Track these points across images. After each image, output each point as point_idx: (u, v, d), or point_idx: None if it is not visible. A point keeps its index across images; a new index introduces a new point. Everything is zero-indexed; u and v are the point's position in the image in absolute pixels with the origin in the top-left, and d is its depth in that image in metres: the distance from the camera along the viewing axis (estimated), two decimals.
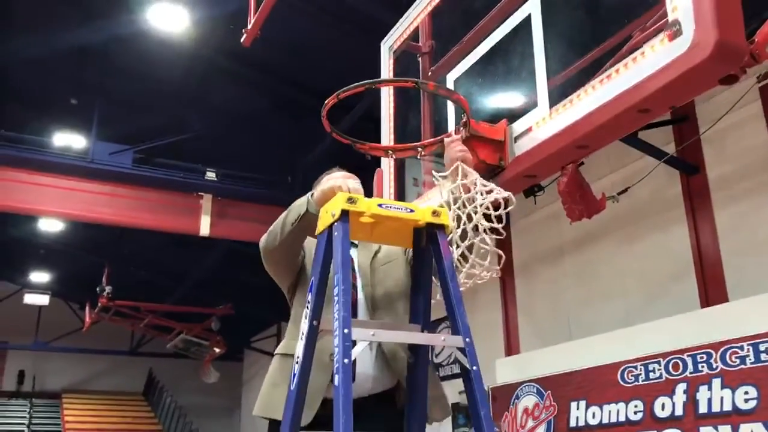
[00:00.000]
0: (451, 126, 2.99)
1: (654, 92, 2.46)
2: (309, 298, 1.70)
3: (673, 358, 5.62)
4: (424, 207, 1.75)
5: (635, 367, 5.96)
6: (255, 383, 19.68)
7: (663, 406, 5.66)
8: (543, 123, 2.90)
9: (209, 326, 15.30)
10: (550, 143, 2.82)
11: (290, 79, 8.97)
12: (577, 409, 6.52)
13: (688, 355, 5.51)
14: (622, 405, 6.02)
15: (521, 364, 7.39)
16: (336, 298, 1.55)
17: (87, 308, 15.92)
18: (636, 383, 5.93)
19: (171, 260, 14.36)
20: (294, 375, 1.64)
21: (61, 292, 18.96)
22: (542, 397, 6.97)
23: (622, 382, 6.06)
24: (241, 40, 5.88)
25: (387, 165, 3.66)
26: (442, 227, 1.76)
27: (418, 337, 1.73)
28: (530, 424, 7.01)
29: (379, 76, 4.18)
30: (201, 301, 15.16)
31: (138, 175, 8.82)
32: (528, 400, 7.10)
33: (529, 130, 2.93)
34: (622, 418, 5.99)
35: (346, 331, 1.49)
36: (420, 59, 3.88)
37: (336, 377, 1.43)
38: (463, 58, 3.35)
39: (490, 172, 2.79)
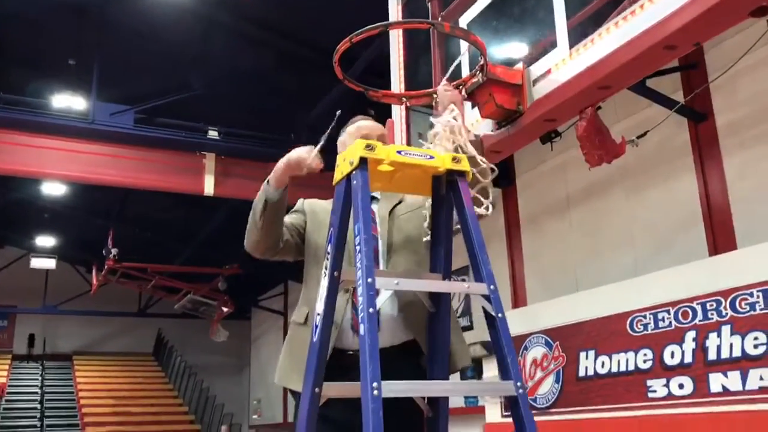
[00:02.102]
0: (465, 71, 2.92)
1: (681, 27, 2.37)
2: (328, 249, 1.67)
3: (682, 306, 5.63)
4: (443, 154, 1.72)
5: (644, 316, 5.98)
6: (263, 341, 19.90)
7: (672, 354, 5.69)
8: (563, 64, 2.81)
9: (216, 286, 15.38)
10: (570, 85, 2.74)
11: (292, 35, 8.82)
12: (586, 358, 6.56)
13: (697, 303, 5.51)
14: (631, 354, 6.05)
15: (529, 315, 7.41)
16: (357, 248, 1.52)
17: (94, 271, 16.00)
18: (645, 332, 5.95)
19: (177, 221, 14.36)
20: (315, 326, 1.62)
21: (68, 255, 19.04)
22: (551, 348, 7.01)
23: (631, 332, 6.08)
24: None
25: (398, 115, 3.59)
26: (462, 174, 1.72)
27: (442, 285, 1.70)
28: (539, 374, 7.07)
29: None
30: (208, 261, 15.21)
31: (140, 136, 8.74)
32: (536, 351, 7.15)
33: (548, 72, 2.85)
34: (631, 367, 6.03)
35: (369, 280, 1.46)
36: (429, 4, 3.76)
37: (361, 326, 1.41)
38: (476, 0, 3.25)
39: (508, 117, 2.72)
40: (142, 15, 8.90)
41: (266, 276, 17.68)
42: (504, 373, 1.51)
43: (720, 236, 6.40)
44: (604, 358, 6.34)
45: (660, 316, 5.84)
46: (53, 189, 13.13)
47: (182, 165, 8.89)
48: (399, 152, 1.64)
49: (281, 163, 2.30)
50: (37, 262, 18.43)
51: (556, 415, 6.67)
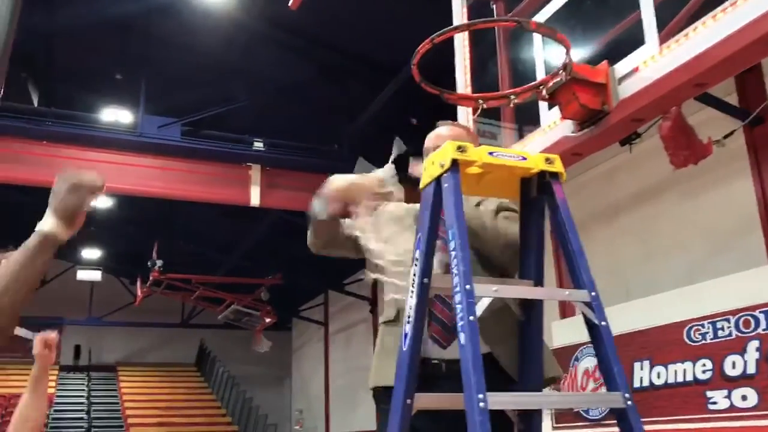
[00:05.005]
0: (541, 73, 2.86)
1: None
2: (416, 255, 1.62)
3: (743, 315, 5.46)
4: (535, 155, 1.66)
5: (702, 326, 5.82)
6: (304, 352, 19.93)
7: (734, 365, 5.52)
8: (652, 61, 2.73)
9: (259, 296, 15.47)
10: (662, 83, 2.65)
11: (335, 46, 8.84)
12: (641, 369, 6.41)
13: (760, 312, 5.34)
14: (689, 364, 5.89)
15: (579, 325, 7.25)
16: (453, 253, 1.47)
17: (138, 282, 16.20)
18: (703, 342, 5.79)
19: (220, 232, 14.48)
20: (405, 335, 1.57)
21: (112, 267, 19.33)
22: None
23: (688, 341, 5.92)
24: (289, 3, 5.78)
25: (464, 120, 3.54)
26: (556, 175, 1.66)
27: (541, 292, 1.65)
28: (591, 385, 6.93)
29: (428, 35, 4.01)
30: (250, 271, 15.30)
31: (187, 148, 8.82)
32: (588, 362, 7.01)
33: (635, 70, 2.77)
34: (689, 378, 5.87)
35: (468, 287, 1.41)
36: (494, 6, 3.71)
37: (462, 335, 1.35)
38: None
39: (592, 118, 2.64)
40: (186, 28, 9.01)
41: (307, 287, 17.73)
42: (610, 383, 1.44)
43: None
44: (660, 368, 6.18)
45: (719, 325, 5.67)
46: (100, 202, 13.34)
47: (229, 176, 8.95)
48: (490, 153, 1.59)
49: (336, 183, 2.16)
50: (83, 275, 18.72)
51: (610, 428, 6.51)
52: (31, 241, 1.55)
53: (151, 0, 8.49)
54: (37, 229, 1.58)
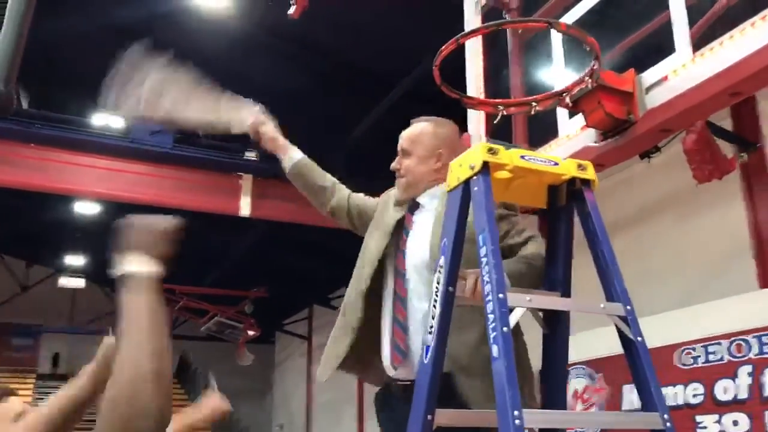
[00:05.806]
0: (560, 81, 2.80)
1: None
2: (441, 261, 1.54)
3: (736, 340, 5.45)
4: (567, 160, 1.59)
5: (694, 349, 5.79)
6: (287, 366, 19.73)
7: (725, 390, 5.49)
8: (683, 70, 2.68)
9: (243, 309, 15.33)
10: (695, 92, 2.60)
11: (333, 56, 8.79)
12: (631, 392, 6.34)
13: (753, 336, 5.32)
14: (680, 388, 5.85)
15: (571, 345, 7.21)
16: (484, 260, 1.40)
17: None
18: (695, 365, 5.76)
19: (205, 243, 14.32)
20: (427, 348, 1.49)
21: (96, 276, 19.06)
22: (593, 380, 6.81)
23: (679, 365, 5.89)
24: (290, 12, 5.73)
25: (476, 130, 3.48)
26: (588, 182, 1.60)
27: (575, 304, 1.58)
28: (579, 407, 6.86)
29: (434, 47, 3.97)
30: (235, 283, 15.15)
31: (178, 156, 8.72)
32: (578, 383, 6.95)
33: (664, 79, 2.72)
34: (680, 401, 5.83)
35: (501, 296, 1.34)
36: (507, 16, 3.67)
37: (494, 347, 1.28)
38: (572, 4, 3.11)
39: (617, 127, 2.59)
40: (183, 34, 8.93)
41: (291, 300, 17.58)
42: (647, 403, 1.38)
43: None
44: None
45: (711, 349, 5.63)
46: (86, 208, 13.16)
47: (220, 185, 8.86)
48: (522, 157, 1.52)
49: None
50: (65, 281, 18.44)
51: None
52: (146, 296, 1.35)
53: (149, 7, 8.42)
54: (136, 275, 1.37)
